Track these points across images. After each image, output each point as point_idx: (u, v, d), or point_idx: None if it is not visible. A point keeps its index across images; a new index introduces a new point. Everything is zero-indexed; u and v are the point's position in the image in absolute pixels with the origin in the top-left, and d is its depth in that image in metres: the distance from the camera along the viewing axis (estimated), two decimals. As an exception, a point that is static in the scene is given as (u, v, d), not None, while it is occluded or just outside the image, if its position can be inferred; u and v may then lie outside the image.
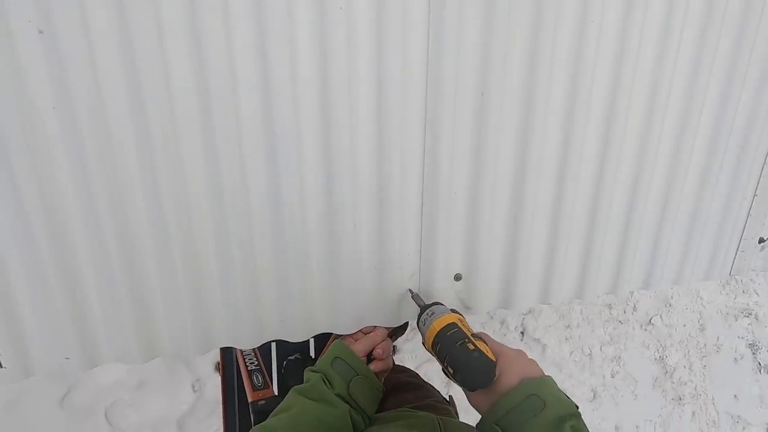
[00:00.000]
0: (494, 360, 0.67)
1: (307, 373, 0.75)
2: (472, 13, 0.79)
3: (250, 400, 1.13)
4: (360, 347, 0.81)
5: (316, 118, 0.78)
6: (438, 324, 0.73)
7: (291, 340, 0.88)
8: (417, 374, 1.12)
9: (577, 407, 0.63)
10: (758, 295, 2.93)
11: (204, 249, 0.79)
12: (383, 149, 0.83)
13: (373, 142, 0.82)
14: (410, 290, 0.93)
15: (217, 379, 2.17)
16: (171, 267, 0.78)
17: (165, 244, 0.77)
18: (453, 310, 0.80)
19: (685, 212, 1.06)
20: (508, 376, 0.64)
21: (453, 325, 0.72)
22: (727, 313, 2.89)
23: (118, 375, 2.03)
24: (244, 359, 1.33)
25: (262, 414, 1.07)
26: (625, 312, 2.75)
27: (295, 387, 0.73)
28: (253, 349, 1.37)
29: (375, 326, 0.91)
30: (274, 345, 1.37)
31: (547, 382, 0.64)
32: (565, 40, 0.85)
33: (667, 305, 2.81)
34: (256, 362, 1.32)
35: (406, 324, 1.01)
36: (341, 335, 0.92)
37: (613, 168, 0.97)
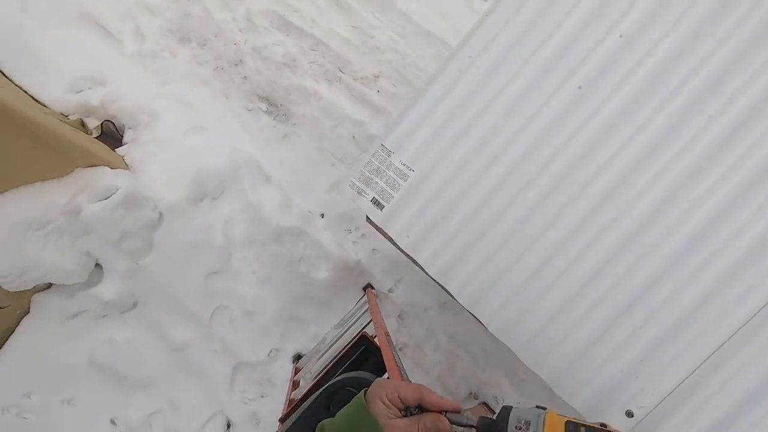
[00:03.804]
0: None
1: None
2: None
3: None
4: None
5: (696, 236, 0.97)
6: (557, 419, 0.60)
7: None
8: None
9: None
10: None
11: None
12: (706, 306, 0.96)
13: (704, 289, 0.96)
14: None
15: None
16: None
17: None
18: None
19: None
20: None
21: (574, 422, 0.59)
22: None
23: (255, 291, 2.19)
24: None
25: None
26: None
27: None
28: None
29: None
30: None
31: None
32: None
33: None
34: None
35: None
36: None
37: None
